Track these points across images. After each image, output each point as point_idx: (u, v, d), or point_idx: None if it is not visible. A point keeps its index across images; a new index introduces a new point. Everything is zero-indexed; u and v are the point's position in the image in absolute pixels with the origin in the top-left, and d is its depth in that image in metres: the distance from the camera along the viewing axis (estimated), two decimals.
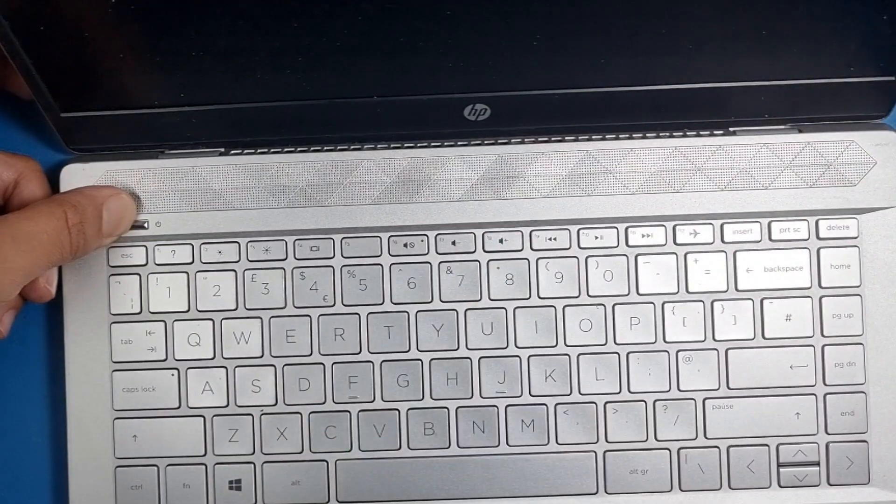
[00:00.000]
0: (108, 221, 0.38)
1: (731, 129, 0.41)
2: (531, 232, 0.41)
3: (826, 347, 0.40)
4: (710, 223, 0.40)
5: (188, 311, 0.41)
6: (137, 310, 0.41)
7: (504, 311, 0.40)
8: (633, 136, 0.41)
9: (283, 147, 0.41)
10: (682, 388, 0.40)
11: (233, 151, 0.41)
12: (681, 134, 0.41)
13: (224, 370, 0.41)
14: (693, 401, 0.40)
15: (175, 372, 0.41)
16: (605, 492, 0.40)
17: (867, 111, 0.40)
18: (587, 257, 0.40)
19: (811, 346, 0.40)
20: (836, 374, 0.40)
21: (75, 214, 0.37)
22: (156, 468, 0.40)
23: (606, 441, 0.40)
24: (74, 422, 0.41)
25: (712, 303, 0.40)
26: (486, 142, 0.41)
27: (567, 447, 0.40)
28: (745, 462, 0.40)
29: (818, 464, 0.40)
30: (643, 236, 0.40)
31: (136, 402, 0.41)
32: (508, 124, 0.40)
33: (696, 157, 0.40)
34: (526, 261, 0.41)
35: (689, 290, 0.40)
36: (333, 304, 0.41)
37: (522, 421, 0.40)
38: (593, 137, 0.41)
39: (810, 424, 0.40)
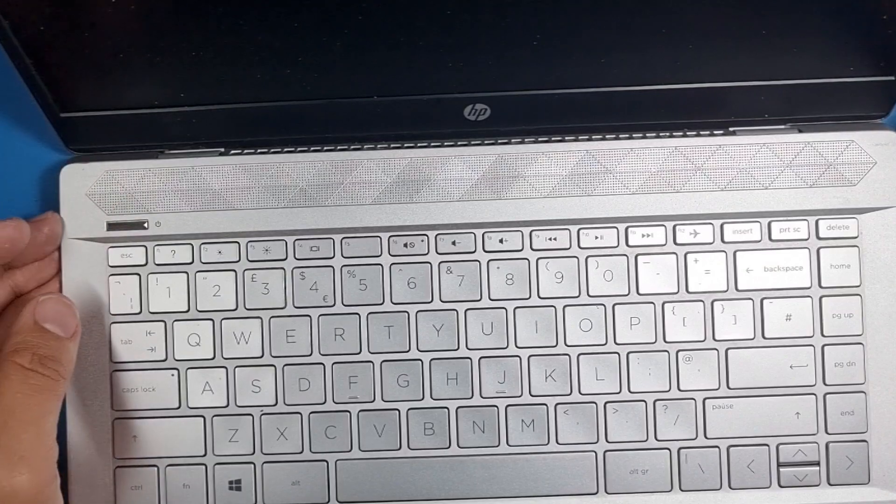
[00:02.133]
0: (56, 327, 0.37)
1: (731, 129, 0.41)
2: (531, 232, 0.41)
3: (826, 347, 0.40)
4: (710, 223, 0.40)
5: (188, 311, 0.41)
6: (137, 310, 0.41)
7: (504, 311, 0.40)
8: (633, 136, 0.41)
9: (283, 147, 0.41)
10: (682, 387, 0.40)
11: (233, 151, 0.41)
12: (681, 134, 0.41)
13: (224, 370, 0.41)
14: (693, 401, 0.40)
15: (175, 372, 0.41)
16: (605, 492, 0.40)
17: (867, 111, 0.40)
18: (587, 257, 0.40)
19: (811, 345, 0.40)
20: (836, 373, 0.40)
21: (23, 355, 0.35)
22: (156, 468, 0.40)
23: (606, 441, 0.40)
24: (74, 422, 0.40)
25: (712, 303, 0.40)
26: (486, 142, 0.41)
27: (567, 447, 0.40)
28: (745, 462, 0.40)
29: (818, 464, 0.40)
30: (643, 236, 0.40)
31: (136, 402, 0.41)
32: (508, 124, 0.40)
33: (696, 157, 0.40)
34: (526, 261, 0.41)
35: (689, 290, 0.40)
36: (333, 304, 0.41)
37: (522, 421, 0.40)
38: (593, 137, 0.41)
39: (810, 424, 0.40)
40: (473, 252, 0.41)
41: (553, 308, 0.40)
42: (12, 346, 0.35)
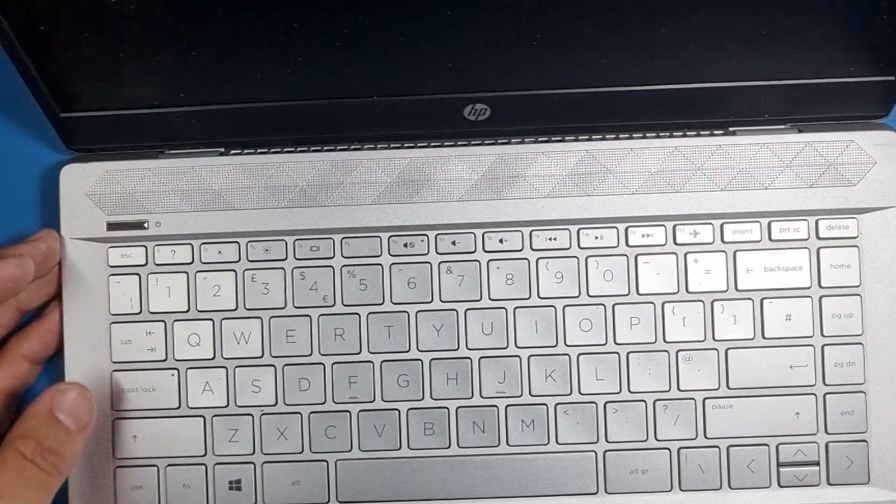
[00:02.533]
0: (69, 419, 0.36)
1: (731, 129, 0.41)
2: (531, 232, 0.41)
3: (826, 347, 0.40)
4: (710, 223, 0.40)
5: (188, 311, 0.41)
6: (137, 310, 0.41)
7: (504, 311, 0.40)
8: (633, 136, 0.41)
9: (283, 147, 0.41)
10: (682, 387, 0.40)
11: (233, 151, 0.41)
12: (681, 134, 0.41)
13: (224, 370, 0.41)
14: (693, 401, 0.40)
15: (175, 372, 0.41)
16: (605, 492, 0.40)
17: (867, 111, 0.40)
18: (587, 257, 0.40)
19: (811, 345, 0.40)
20: (835, 373, 0.40)
21: (27, 443, 0.34)
22: (156, 468, 0.40)
23: (606, 441, 0.40)
24: None
25: (712, 303, 0.40)
26: (486, 142, 0.41)
27: (567, 447, 0.40)
28: (745, 462, 0.40)
29: (818, 463, 0.40)
30: (643, 236, 0.40)
31: (136, 402, 0.41)
32: (508, 124, 0.40)
33: (696, 157, 0.40)
34: (526, 261, 0.41)
35: (689, 289, 0.40)
36: (333, 304, 0.41)
37: (522, 421, 0.40)
38: (593, 137, 0.41)
39: (810, 424, 0.40)
40: (473, 252, 0.41)
41: (553, 308, 0.40)
42: (20, 431, 0.35)
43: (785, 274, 0.40)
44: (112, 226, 0.41)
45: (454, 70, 0.38)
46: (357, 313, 0.41)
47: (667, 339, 0.40)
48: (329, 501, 0.40)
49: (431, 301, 0.40)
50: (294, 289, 0.41)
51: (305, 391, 0.40)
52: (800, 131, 0.41)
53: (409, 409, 0.40)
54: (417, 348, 0.40)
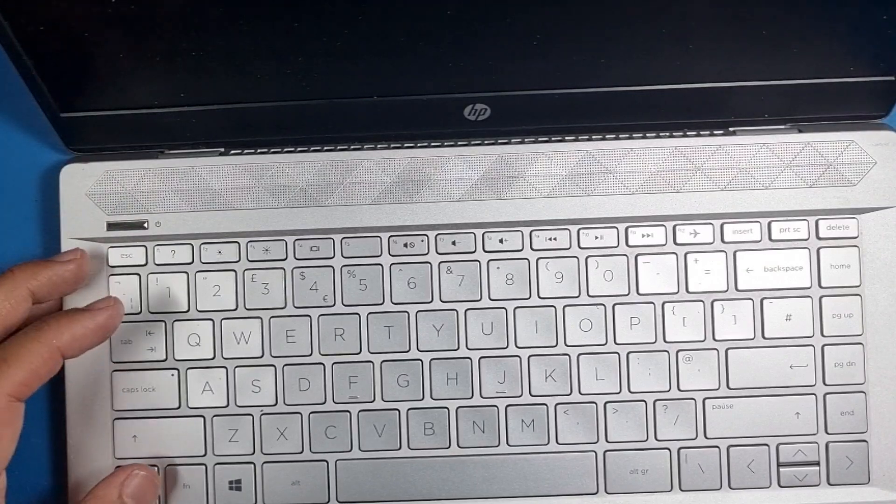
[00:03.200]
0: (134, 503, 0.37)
1: (731, 129, 0.41)
2: (531, 232, 0.41)
3: (826, 347, 0.40)
4: (710, 223, 0.40)
5: (188, 311, 0.41)
6: (137, 310, 0.41)
7: (504, 311, 0.40)
8: (633, 136, 0.41)
9: (283, 147, 0.41)
10: (682, 387, 0.40)
11: (233, 151, 0.41)
12: (681, 134, 0.41)
13: (224, 370, 0.41)
14: (693, 401, 0.40)
15: (175, 372, 0.41)
16: (605, 492, 0.40)
17: (867, 111, 0.40)
18: (587, 257, 0.40)
19: (811, 345, 0.40)
20: (835, 373, 0.40)
21: None
22: (156, 468, 0.40)
23: (606, 441, 0.40)
24: (74, 422, 0.40)
25: (712, 303, 0.40)
26: (486, 142, 0.41)
27: (567, 447, 0.40)
28: (745, 462, 0.40)
29: (818, 463, 0.40)
30: (643, 236, 0.40)
31: (136, 402, 0.41)
32: (508, 124, 0.40)
33: (696, 157, 0.40)
34: (526, 261, 0.41)
35: (689, 289, 0.40)
36: (333, 304, 0.41)
37: (522, 421, 0.40)
38: (593, 137, 0.41)
39: (810, 424, 0.40)
40: (473, 252, 0.41)
41: (553, 308, 0.40)
42: None
43: (785, 274, 0.40)
44: (112, 226, 0.41)
45: (454, 70, 0.38)
46: (357, 313, 0.41)
47: (667, 339, 0.40)
48: (329, 501, 0.40)
49: (431, 301, 0.40)
50: (294, 289, 0.41)
51: (305, 391, 0.40)
52: (800, 131, 0.41)
53: (409, 409, 0.40)
54: (417, 348, 0.40)
